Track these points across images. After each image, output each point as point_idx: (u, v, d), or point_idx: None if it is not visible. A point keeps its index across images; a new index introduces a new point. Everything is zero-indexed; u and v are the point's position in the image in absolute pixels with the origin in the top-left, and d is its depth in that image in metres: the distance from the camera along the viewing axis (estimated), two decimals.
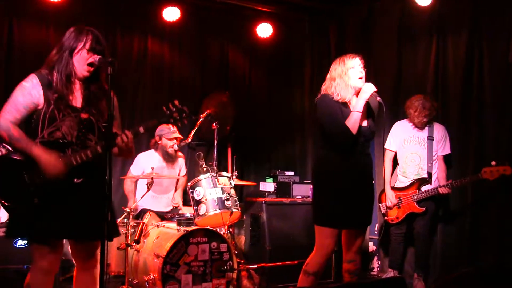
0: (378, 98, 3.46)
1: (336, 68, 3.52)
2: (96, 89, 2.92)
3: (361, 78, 3.48)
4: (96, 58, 2.80)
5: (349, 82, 3.45)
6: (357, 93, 3.50)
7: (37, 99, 2.78)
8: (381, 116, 3.54)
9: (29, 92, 2.78)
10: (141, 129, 2.87)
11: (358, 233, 3.58)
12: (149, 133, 5.29)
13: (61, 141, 2.79)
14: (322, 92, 3.56)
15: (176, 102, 2.89)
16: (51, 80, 2.81)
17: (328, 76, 3.57)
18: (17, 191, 2.74)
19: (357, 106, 3.41)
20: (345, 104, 3.47)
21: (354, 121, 3.37)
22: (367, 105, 3.51)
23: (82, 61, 2.83)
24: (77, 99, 2.88)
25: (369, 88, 3.43)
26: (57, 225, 2.75)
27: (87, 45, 2.82)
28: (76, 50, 2.82)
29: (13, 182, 2.74)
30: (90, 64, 2.83)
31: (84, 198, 2.81)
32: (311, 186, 3.70)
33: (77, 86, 2.89)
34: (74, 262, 3.05)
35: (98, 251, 2.99)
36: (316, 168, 3.65)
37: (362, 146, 3.50)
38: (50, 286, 2.86)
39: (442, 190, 4.56)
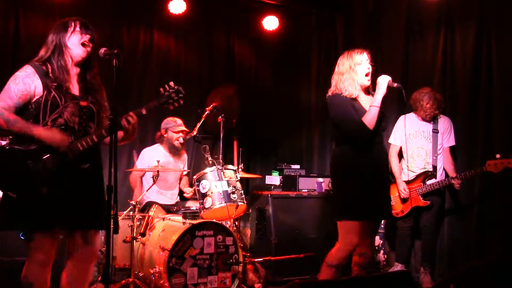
0: (396, 84, 3.46)
1: (344, 63, 3.55)
2: (91, 79, 2.96)
3: (367, 74, 3.52)
4: (102, 49, 2.82)
5: (356, 78, 3.49)
6: (364, 89, 3.54)
7: (31, 88, 2.79)
8: (402, 101, 3.59)
9: (22, 80, 2.79)
10: (143, 111, 2.92)
11: (374, 226, 3.62)
12: (154, 122, 5.31)
13: (64, 127, 2.81)
14: (332, 86, 3.59)
15: (172, 84, 2.95)
16: (47, 70, 2.84)
17: (336, 70, 3.60)
18: (23, 183, 2.74)
19: (375, 101, 3.42)
20: (354, 100, 3.50)
21: (372, 116, 3.39)
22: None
23: (76, 43, 2.89)
24: (75, 88, 2.91)
25: (384, 80, 3.44)
26: (66, 214, 2.76)
27: (77, 28, 2.89)
28: (68, 35, 2.88)
29: (18, 174, 2.74)
30: (83, 44, 2.89)
31: (90, 184, 2.84)
32: (330, 182, 3.76)
33: (73, 76, 2.93)
34: (68, 253, 2.97)
35: (98, 244, 3.02)
36: (335, 165, 3.66)
37: (379, 137, 3.56)
38: (48, 277, 2.85)
39: (455, 182, 4.54)
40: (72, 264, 2.95)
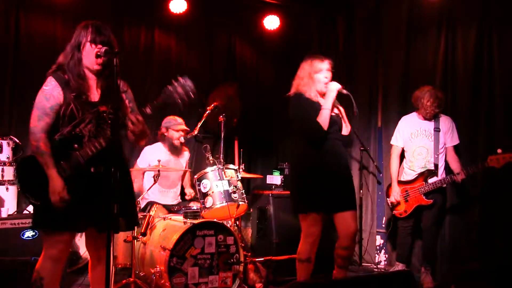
0: (345, 91, 3.63)
1: (304, 68, 3.74)
2: (112, 82, 2.91)
3: (326, 83, 3.66)
4: (102, 49, 2.81)
5: (313, 86, 3.67)
6: (322, 95, 3.69)
7: (59, 100, 2.84)
8: (351, 106, 3.62)
9: (51, 94, 2.83)
10: (148, 110, 2.86)
11: (346, 218, 3.62)
12: (156, 121, 5.31)
13: (79, 135, 2.84)
14: (293, 88, 3.75)
15: (180, 78, 2.88)
16: (68, 79, 2.86)
17: (297, 73, 3.78)
18: (43, 189, 2.79)
19: (326, 104, 3.60)
20: (314, 102, 3.65)
21: (324, 118, 3.56)
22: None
23: (89, 55, 2.87)
24: (95, 94, 2.92)
25: (334, 87, 3.62)
26: (79, 218, 2.83)
27: (88, 38, 2.86)
28: (82, 46, 2.87)
29: (39, 180, 2.80)
30: (97, 56, 2.85)
31: (103, 188, 2.83)
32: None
33: (94, 81, 2.93)
34: (88, 253, 3.12)
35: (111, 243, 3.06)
36: (293, 163, 3.83)
37: (337, 133, 3.68)
38: (59, 273, 2.93)
39: (457, 178, 4.53)
40: (93, 264, 3.06)
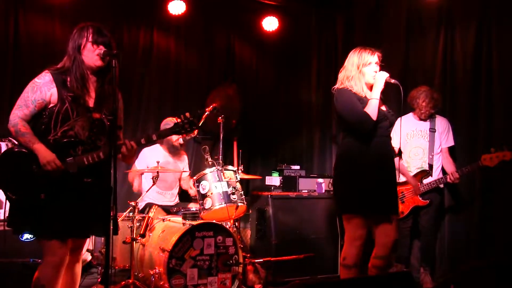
0: (393, 81, 3.51)
1: (353, 61, 3.56)
2: (108, 87, 2.95)
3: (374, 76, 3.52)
4: (101, 50, 2.82)
5: (362, 79, 3.52)
6: (370, 88, 3.54)
7: (47, 96, 2.83)
8: (400, 98, 3.54)
9: (39, 88, 2.84)
10: (154, 137, 2.99)
11: (390, 223, 3.48)
12: (155, 122, 5.32)
13: (72, 139, 2.84)
14: (338, 81, 3.60)
15: (188, 115, 2.98)
16: (65, 79, 2.87)
17: (345, 64, 3.61)
18: (24, 185, 2.77)
19: (373, 94, 3.47)
20: (360, 97, 3.50)
21: (373, 108, 3.42)
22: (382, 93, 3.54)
23: (89, 54, 2.88)
24: (91, 99, 2.94)
25: (382, 76, 3.49)
26: (61, 224, 2.80)
27: (90, 38, 2.88)
28: (82, 46, 2.88)
29: (21, 176, 2.78)
30: (98, 55, 2.87)
31: (90, 198, 2.86)
32: (332, 179, 3.69)
33: (92, 84, 2.95)
34: None
35: (84, 247, 3.14)
36: (340, 158, 3.64)
37: (386, 130, 3.56)
38: (60, 279, 2.88)
39: (451, 178, 4.52)
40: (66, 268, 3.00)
